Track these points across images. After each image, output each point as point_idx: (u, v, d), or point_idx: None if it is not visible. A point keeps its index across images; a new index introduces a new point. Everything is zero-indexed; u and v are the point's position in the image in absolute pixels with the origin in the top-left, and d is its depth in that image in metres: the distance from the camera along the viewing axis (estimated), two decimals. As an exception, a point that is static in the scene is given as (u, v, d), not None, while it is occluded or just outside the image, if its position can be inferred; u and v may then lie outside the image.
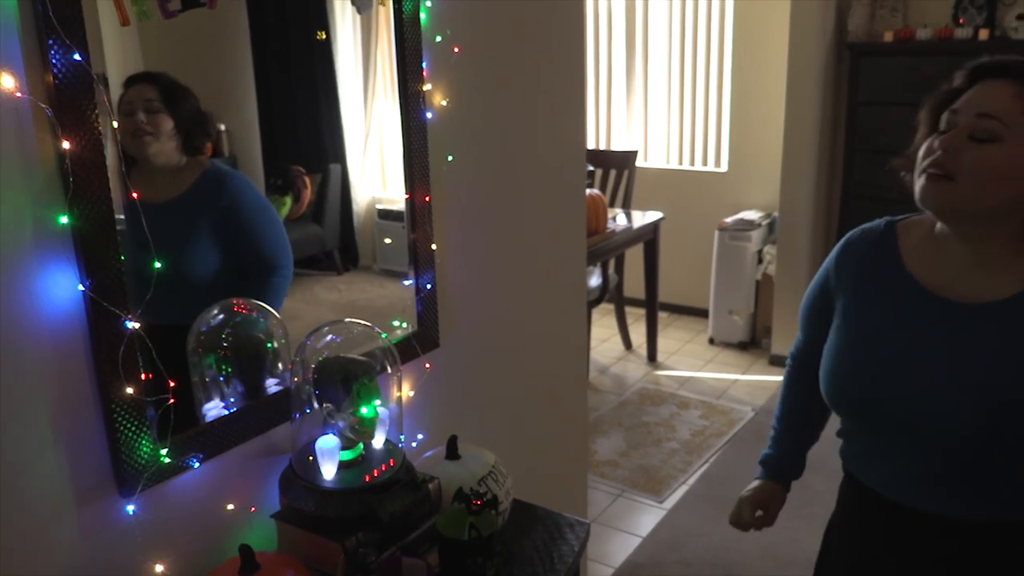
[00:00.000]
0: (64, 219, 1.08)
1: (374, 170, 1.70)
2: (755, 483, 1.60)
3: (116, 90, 1.20)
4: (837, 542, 1.48)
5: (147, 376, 1.19)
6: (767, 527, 1.61)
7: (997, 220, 1.19)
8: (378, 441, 1.39)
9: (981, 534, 1.25)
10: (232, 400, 1.39)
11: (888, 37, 4.13)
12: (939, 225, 1.27)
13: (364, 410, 1.33)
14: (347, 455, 1.34)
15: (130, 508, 1.21)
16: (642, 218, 4.48)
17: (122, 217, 1.15)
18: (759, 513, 1.59)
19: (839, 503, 1.48)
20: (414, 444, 1.73)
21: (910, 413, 1.23)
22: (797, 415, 1.57)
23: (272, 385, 1.45)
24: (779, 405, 1.61)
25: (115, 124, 1.16)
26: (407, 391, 1.72)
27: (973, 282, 1.22)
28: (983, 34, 3.93)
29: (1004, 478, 1.22)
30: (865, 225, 1.38)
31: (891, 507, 1.31)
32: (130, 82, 1.27)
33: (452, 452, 1.53)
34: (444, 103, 1.71)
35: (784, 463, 1.59)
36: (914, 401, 1.22)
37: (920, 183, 1.21)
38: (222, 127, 1.43)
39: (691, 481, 3.45)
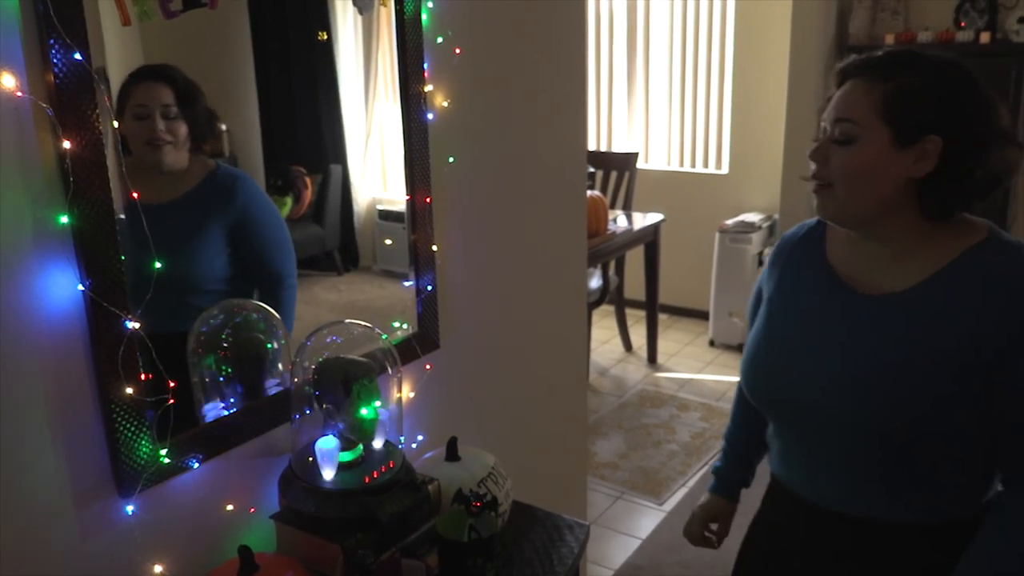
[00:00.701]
0: (64, 219, 1.08)
1: (375, 171, 1.70)
2: (705, 497, 1.61)
3: (117, 92, 1.19)
4: (757, 538, 1.50)
5: (147, 376, 1.19)
6: (725, 537, 1.62)
7: (886, 218, 1.19)
8: (378, 442, 1.38)
9: (891, 536, 1.25)
10: (232, 401, 1.39)
11: (889, 40, 4.13)
12: None
13: (364, 411, 1.33)
14: (347, 456, 1.34)
15: (129, 508, 1.21)
16: (643, 220, 4.48)
17: (123, 217, 1.15)
18: (714, 526, 1.61)
19: (763, 503, 1.50)
20: (414, 445, 1.73)
21: (818, 406, 1.23)
22: (747, 426, 1.55)
23: (272, 386, 1.44)
24: (731, 415, 1.61)
25: (115, 124, 1.15)
26: (407, 392, 1.72)
27: (884, 274, 1.23)
28: (984, 37, 3.93)
29: (913, 478, 1.21)
30: (805, 221, 1.40)
31: (806, 506, 1.32)
32: (137, 77, 1.25)
33: (452, 453, 1.53)
34: (445, 104, 1.71)
35: (732, 477, 1.59)
36: (820, 394, 1.23)
37: (813, 197, 1.24)
38: (223, 127, 1.43)
39: (691, 483, 3.45)
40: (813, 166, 1.21)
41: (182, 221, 1.39)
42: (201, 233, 1.41)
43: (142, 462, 1.20)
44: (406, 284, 1.70)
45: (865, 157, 1.15)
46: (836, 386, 1.21)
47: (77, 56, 1.04)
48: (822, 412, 1.23)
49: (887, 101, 1.14)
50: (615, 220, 4.33)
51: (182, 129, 1.31)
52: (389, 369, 1.45)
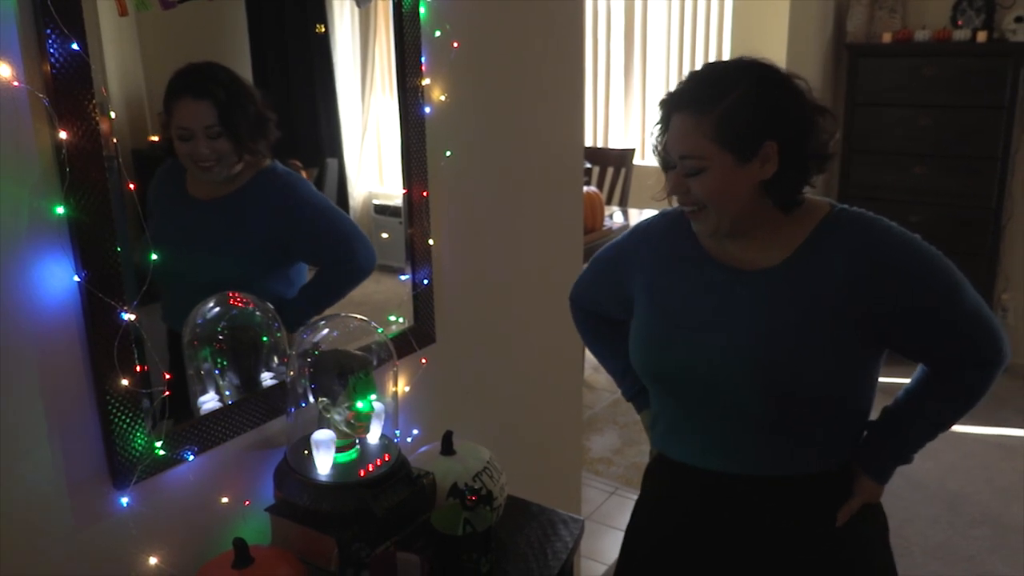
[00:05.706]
0: (60, 209, 1.08)
1: (371, 165, 1.69)
2: (643, 414, 1.60)
3: (114, 83, 1.19)
4: (648, 520, 1.53)
5: (143, 368, 1.18)
6: None
7: (748, 219, 1.28)
8: (373, 436, 1.39)
9: (786, 489, 1.33)
10: (228, 393, 1.38)
11: (887, 38, 4.14)
12: None
13: (360, 404, 1.33)
14: (342, 457, 1.33)
15: (124, 500, 1.21)
16: (639, 216, 4.48)
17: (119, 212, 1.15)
18: None
19: (645, 486, 1.55)
20: (409, 439, 1.73)
21: (709, 373, 1.30)
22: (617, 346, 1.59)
23: (268, 378, 1.44)
24: (600, 349, 1.63)
25: (113, 114, 1.15)
26: (403, 386, 1.72)
27: (752, 255, 1.32)
28: (981, 36, 3.93)
29: (798, 436, 1.31)
30: (664, 210, 1.47)
31: (702, 475, 1.37)
32: (179, 90, 1.27)
33: (447, 447, 1.53)
34: (443, 98, 1.71)
35: (643, 389, 1.58)
36: (711, 362, 1.30)
37: (692, 220, 1.32)
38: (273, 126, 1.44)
39: (685, 479, 3.45)
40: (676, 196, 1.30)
41: (225, 217, 1.40)
42: (242, 229, 1.41)
43: (137, 454, 1.20)
44: (402, 278, 1.70)
45: (718, 181, 1.24)
46: (725, 353, 1.29)
47: (74, 46, 1.04)
48: (713, 378, 1.30)
49: (717, 130, 1.21)
50: (611, 216, 4.33)
51: (227, 146, 1.32)
52: (385, 363, 1.45)
